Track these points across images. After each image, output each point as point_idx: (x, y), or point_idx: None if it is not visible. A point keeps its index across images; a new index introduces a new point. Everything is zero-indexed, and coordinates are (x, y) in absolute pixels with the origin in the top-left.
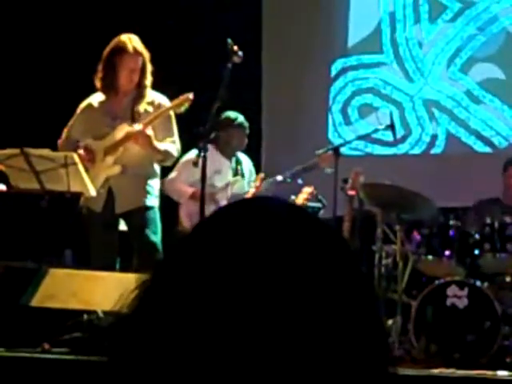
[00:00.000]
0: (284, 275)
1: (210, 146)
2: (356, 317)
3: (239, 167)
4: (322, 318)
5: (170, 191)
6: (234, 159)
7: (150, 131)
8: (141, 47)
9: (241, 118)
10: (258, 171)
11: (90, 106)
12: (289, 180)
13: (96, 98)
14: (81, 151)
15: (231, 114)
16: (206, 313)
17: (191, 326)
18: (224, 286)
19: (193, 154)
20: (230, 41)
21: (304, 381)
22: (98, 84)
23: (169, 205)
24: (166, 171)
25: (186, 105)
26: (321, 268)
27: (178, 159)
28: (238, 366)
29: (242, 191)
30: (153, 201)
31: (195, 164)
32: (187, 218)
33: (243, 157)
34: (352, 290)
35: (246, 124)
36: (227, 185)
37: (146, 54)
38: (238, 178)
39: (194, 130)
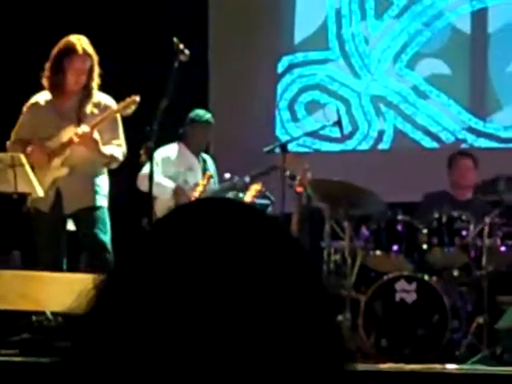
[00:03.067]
0: (235, 273)
1: (180, 144)
2: (308, 312)
3: (206, 166)
4: (273, 315)
5: (146, 186)
6: (200, 158)
7: (96, 135)
8: (89, 49)
9: (207, 115)
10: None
11: (36, 104)
12: (247, 180)
13: (42, 97)
14: (29, 149)
15: (198, 111)
16: (159, 313)
17: (145, 325)
18: (176, 287)
19: (168, 149)
20: (176, 39)
21: (256, 379)
22: (45, 83)
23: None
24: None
25: (133, 107)
26: (271, 265)
27: (151, 153)
28: (190, 364)
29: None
30: (101, 200)
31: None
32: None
33: (206, 156)
34: (303, 285)
35: (211, 119)
36: (198, 182)
37: (95, 56)
38: (208, 172)
39: (144, 130)
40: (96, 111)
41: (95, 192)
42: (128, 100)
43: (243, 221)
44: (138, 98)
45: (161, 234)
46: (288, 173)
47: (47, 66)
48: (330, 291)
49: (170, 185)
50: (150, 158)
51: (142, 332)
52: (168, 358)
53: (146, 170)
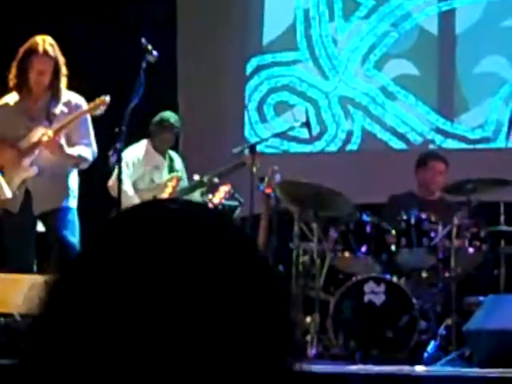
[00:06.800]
0: (189, 275)
1: (146, 144)
2: (261, 315)
3: (172, 164)
4: (224, 315)
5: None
6: (167, 156)
7: (61, 140)
8: (53, 50)
9: (172, 119)
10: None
11: (5, 105)
12: (216, 180)
13: (12, 98)
14: None
15: (162, 115)
16: (110, 313)
17: (95, 325)
18: (128, 287)
19: (136, 149)
20: (144, 40)
21: (206, 376)
22: (10, 83)
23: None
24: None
25: (102, 107)
26: (220, 259)
27: (119, 154)
28: (143, 361)
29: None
30: (71, 202)
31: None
32: None
33: (173, 154)
34: (258, 288)
35: (177, 123)
36: (166, 182)
37: (60, 57)
38: (177, 174)
39: (113, 131)
40: (66, 110)
41: (65, 193)
42: (98, 100)
43: (195, 220)
44: (107, 99)
45: (115, 232)
46: (256, 172)
47: (13, 65)
48: (288, 292)
49: (136, 200)
50: (119, 160)
51: (95, 329)
52: (121, 354)
53: (115, 175)
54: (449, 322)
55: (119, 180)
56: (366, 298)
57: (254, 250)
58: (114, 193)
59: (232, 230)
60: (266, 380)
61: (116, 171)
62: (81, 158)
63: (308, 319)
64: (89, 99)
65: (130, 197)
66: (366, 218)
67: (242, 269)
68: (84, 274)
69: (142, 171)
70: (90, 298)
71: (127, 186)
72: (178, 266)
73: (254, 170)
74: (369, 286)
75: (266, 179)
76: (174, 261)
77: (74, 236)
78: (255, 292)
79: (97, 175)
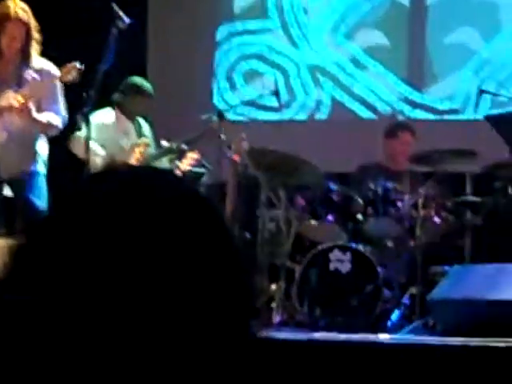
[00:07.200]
0: (141, 237)
1: (115, 110)
2: (215, 276)
3: (141, 130)
4: (179, 279)
5: (79, 149)
6: (135, 122)
7: (30, 105)
8: (25, 15)
9: (147, 85)
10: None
11: None
12: (184, 147)
13: None
14: None
15: (137, 80)
16: (71, 276)
17: (58, 287)
18: (88, 250)
19: (102, 114)
20: (114, 6)
21: (157, 337)
22: None
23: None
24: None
25: (74, 73)
26: (178, 223)
27: (87, 118)
28: (103, 323)
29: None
30: (39, 167)
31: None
32: None
33: (141, 120)
34: (215, 252)
35: (152, 91)
36: (133, 146)
37: (33, 22)
38: (145, 139)
39: (82, 96)
40: (38, 77)
41: (32, 158)
42: (69, 66)
43: (159, 191)
44: (79, 65)
45: (77, 198)
46: (224, 139)
47: None
48: (246, 261)
49: (101, 152)
50: (87, 123)
51: (58, 292)
52: (85, 312)
53: (79, 133)
54: (413, 291)
55: (87, 144)
56: (332, 266)
57: (209, 214)
58: (74, 149)
59: (187, 194)
60: (223, 344)
61: (80, 133)
62: (50, 124)
63: (273, 286)
64: (60, 65)
65: (95, 152)
66: (333, 186)
67: (194, 230)
68: (47, 237)
69: (108, 136)
70: (52, 261)
71: (91, 144)
72: (131, 230)
73: (222, 137)
74: (334, 255)
75: (234, 146)
76: (128, 225)
77: (41, 200)
78: (205, 252)
79: (66, 141)
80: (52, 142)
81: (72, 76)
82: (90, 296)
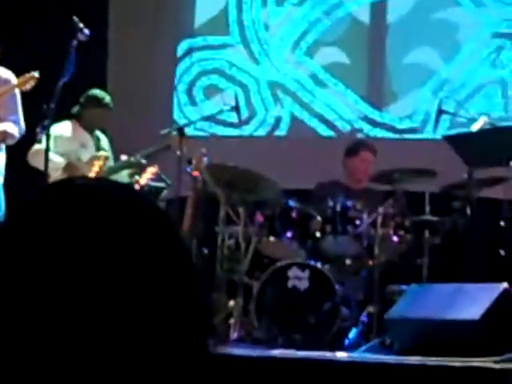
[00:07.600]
0: (103, 252)
1: (74, 122)
2: (172, 295)
3: (99, 144)
4: (133, 293)
5: (38, 162)
6: (94, 136)
7: None
8: None
9: (107, 98)
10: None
11: None
12: (144, 161)
13: None
14: None
15: (97, 92)
16: (27, 285)
17: (15, 294)
18: (43, 260)
19: (61, 127)
20: (75, 18)
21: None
22: None
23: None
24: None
25: (32, 83)
26: (133, 235)
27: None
28: (62, 328)
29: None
30: None
31: None
32: None
33: (100, 134)
34: (170, 268)
35: (111, 104)
36: (92, 159)
37: None
38: (104, 153)
39: (42, 108)
40: None
41: None
42: (27, 75)
43: (113, 198)
44: (37, 74)
45: (33, 208)
46: (183, 154)
47: None
48: (200, 274)
49: (60, 160)
50: (47, 136)
51: (15, 298)
52: (43, 319)
53: (37, 145)
54: (371, 309)
55: (46, 156)
56: (290, 284)
57: (163, 226)
58: (33, 162)
59: (144, 208)
60: (179, 361)
61: (38, 144)
62: (7, 134)
63: (231, 303)
64: (18, 75)
65: (54, 162)
66: (292, 203)
67: (149, 244)
68: (3, 246)
69: (66, 149)
70: (4, 271)
71: (50, 155)
72: (85, 242)
73: (182, 152)
74: (293, 272)
75: (194, 162)
76: (82, 237)
77: None
78: (160, 266)
79: (24, 152)
80: (10, 151)
81: (30, 85)
82: (39, 306)
